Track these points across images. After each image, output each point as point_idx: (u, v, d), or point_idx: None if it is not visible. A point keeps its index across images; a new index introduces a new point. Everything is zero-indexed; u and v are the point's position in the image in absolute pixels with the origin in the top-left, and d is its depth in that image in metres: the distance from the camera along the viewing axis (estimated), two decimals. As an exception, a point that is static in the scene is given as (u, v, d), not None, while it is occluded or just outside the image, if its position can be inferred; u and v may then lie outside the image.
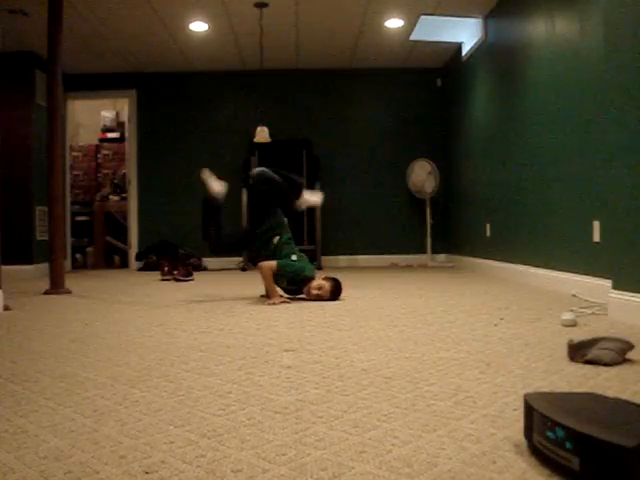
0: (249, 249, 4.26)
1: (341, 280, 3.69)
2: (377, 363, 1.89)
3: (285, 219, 3.85)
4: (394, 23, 5.76)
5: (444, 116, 7.30)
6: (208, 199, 3.84)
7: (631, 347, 1.86)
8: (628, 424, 1.01)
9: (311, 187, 6.71)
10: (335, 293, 3.61)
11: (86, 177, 8.19)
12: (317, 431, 1.26)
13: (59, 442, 1.21)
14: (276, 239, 3.70)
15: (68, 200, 7.29)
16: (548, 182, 4.14)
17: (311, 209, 6.67)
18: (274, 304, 3.45)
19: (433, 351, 2.07)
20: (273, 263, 3.58)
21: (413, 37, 6.05)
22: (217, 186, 3.80)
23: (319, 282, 3.60)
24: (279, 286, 3.67)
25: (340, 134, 7.34)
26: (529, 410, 1.13)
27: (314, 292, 3.56)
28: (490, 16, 5.45)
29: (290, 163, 6.80)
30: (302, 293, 3.65)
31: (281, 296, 3.61)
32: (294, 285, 3.66)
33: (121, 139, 8.11)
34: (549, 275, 4.09)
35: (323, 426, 1.29)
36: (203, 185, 3.83)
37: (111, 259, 7.70)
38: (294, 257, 3.66)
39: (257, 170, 3.94)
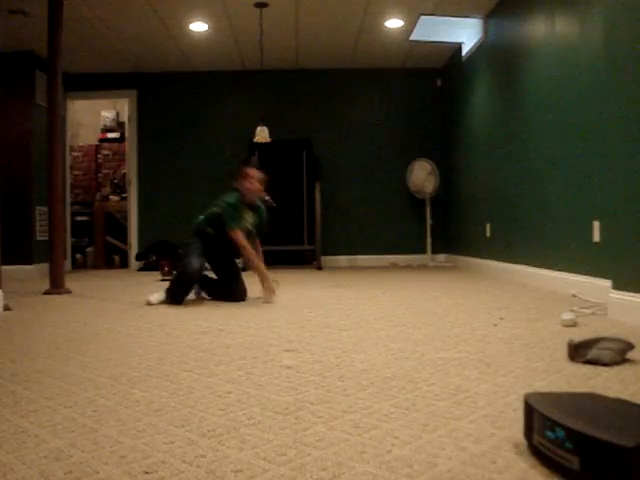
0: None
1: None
2: (377, 363, 1.89)
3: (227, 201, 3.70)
4: (394, 23, 5.76)
5: (444, 116, 7.30)
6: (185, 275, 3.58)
7: (631, 347, 1.86)
8: (628, 424, 1.01)
9: (311, 187, 6.73)
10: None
11: (86, 177, 8.19)
12: (317, 431, 1.25)
13: (59, 442, 1.21)
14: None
15: (68, 200, 7.29)
16: (548, 182, 4.14)
17: (311, 209, 6.69)
18: (272, 292, 3.59)
19: (433, 351, 2.07)
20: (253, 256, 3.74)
21: (413, 37, 6.04)
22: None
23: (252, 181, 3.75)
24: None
25: (340, 134, 7.34)
26: (529, 410, 1.13)
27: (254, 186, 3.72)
28: (490, 16, 5.45)
29: (290, 163, 6.80)
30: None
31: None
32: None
33: (121, 139, 8.11)
34: (549, 275, 4.09)
35: (323, 426, 1.29)
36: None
37: (111, 259, 7.70)
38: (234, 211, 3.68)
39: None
